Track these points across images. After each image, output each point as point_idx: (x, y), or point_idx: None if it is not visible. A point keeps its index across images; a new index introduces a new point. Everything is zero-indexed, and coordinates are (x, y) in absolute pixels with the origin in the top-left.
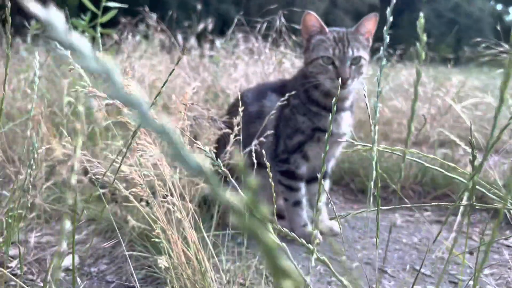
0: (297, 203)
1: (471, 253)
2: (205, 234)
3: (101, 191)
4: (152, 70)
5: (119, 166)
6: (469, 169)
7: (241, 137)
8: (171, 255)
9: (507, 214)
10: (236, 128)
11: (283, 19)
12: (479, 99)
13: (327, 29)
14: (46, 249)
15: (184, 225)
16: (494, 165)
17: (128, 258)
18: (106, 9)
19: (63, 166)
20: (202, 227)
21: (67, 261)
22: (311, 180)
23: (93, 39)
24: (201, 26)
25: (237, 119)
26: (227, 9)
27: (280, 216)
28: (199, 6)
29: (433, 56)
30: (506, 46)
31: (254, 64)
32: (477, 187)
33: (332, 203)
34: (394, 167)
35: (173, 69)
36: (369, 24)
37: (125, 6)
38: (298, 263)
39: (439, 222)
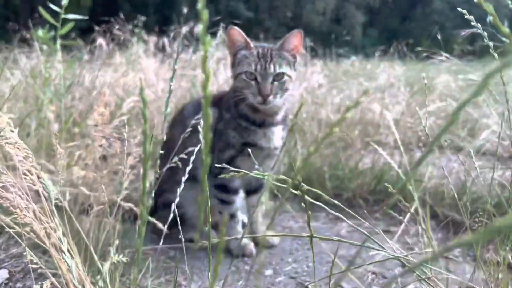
0: (232, 216)
1: (403, 266)
2: None
3: None
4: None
5: None
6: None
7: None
8: None
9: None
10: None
11: None
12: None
13: (252, 44)
14: None
15: None
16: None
17: None
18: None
19: None
20: None
21: None
22: (250, 192)
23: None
24: (185, 29)
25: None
26: (236, 6)
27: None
28: (210, 6)
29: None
30: None
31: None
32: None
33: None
34: (350, 173)
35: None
36: (295, 40)
37: (85, 17)
38: (228, 276)
39: (387, 231)
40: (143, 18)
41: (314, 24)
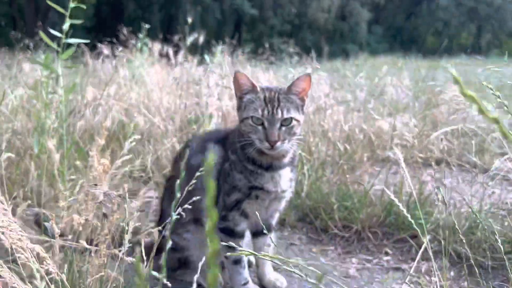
0: (237, 261)
1: None
2: None
3: None
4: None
5: None
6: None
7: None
8: None
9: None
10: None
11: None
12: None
13: (258, 88)
14: None
15: None
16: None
17: None
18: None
19: None
20: None
21: None
22: (256, 233)
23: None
24: (190, 39)
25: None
26: (241, 4)
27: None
28: (215, 4)
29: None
30: None
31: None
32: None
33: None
34: (359, 203)
35: None
36: (303, 83)
37: (87, 41)
38: None
39: (397, 269)
40: (147, 26)
41: (319, 21)
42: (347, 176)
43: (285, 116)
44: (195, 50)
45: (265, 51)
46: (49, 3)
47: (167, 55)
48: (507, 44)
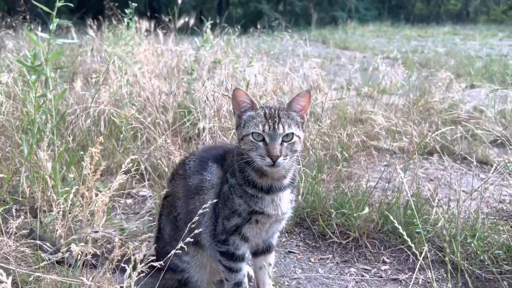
0: (238, 284)
1: None
2: None
3: None
4: None
5: None
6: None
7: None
8: None
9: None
10: None
11: None
12: None
13: (257, 105)
14: None
15: None
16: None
17: None
18: None
19: None
20: None
21: None
22: (256, 253)
23: None
24: (181, 22)
25: None
26: None
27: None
28: None
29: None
30: None
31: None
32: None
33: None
34: (356, 209)
35: None
36: (303, 101)
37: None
38: None
39: (395, 280)
40: (134, 4)
41: None
42: (343, 171)
43: (287, 131)
44: (186, 28)
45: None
46: None
47: (155, 33)
48: (494, 11)
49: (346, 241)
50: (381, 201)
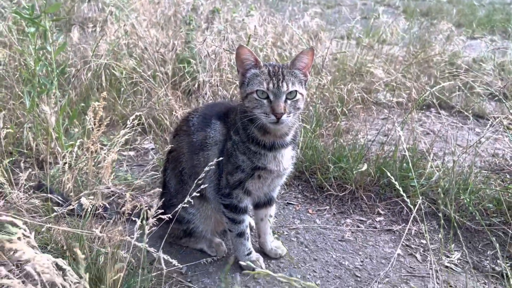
0: (241, 234)
1: (407, 282)
2: None
3: None
4: None
5: None
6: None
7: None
8: None
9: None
10: None
11: None
12: None
13: (261, 63)
14: None
15: None
16: None
17: None
18: None
19: None
20: None
21: None
22: (258, 205)
23: None
24: None
25: None
26: None
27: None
28: None
29: None
30: None
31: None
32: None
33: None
34: (354, 163)
35: None
36: (306, 58)
37: None
38: None
39: (389, 231)
40: None
41: None
42: (342, 125)
43: (290, 89)
44: None
45: None
46: None
47: None
48: None
49: (343, 193)
50: (378, 155)
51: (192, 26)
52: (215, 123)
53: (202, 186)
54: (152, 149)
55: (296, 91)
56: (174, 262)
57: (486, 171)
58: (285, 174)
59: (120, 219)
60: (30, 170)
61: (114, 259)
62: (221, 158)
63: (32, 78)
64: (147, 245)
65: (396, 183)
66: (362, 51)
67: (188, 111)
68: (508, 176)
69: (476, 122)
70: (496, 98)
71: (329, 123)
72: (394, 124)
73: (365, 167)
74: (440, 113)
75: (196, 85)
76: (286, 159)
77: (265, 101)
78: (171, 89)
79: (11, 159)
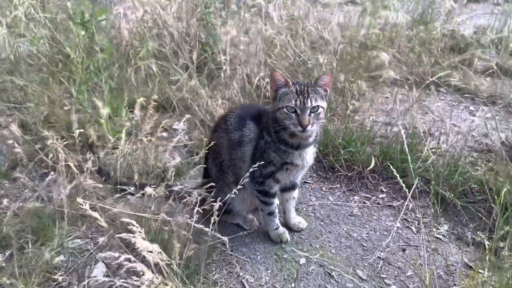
0: (271, 213)
1: (404, 250)
2: None
3: None
4: None
5: None
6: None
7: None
8: None
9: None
10: None
11: None
12: None
13: (290, 83)
14: None
15: None
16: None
17: None
18: None
19: None
20: None
21: None
22: (285, 190)
23: None
24: None
25: None
26: None
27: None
28: None
29: None
30: None
31: None
32: None
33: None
34: (361, 146)
35: None
36: (326, 78)
37: None
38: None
39: (390, 206)
40: None
41: None
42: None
43: (314, 104)
44: None
45: None
46: None
47: None
48: None
49: (351, 173)
50: (381, 142)
51: (211, 9)
52: (249, 123)
53: (242, 181)
54: (183, 130)
55: (318, 105)
56: (218, 235)
57: (476, 151)
58: (307, 167)
59: (184, 208)
60: (89, 155)
61: (177, 236)
62: (253, 152)
63: (78, 70)
64: (202, 226)
65: (394, 170)
66: (367, 19)
67: (225, 112)
68: (493, 157)
69: (471, 100)
70: (491, 72)
71: (338, 104)
72: (396, 101)
73: (372, 164)
74: (439, 90)
75: (218, 71)
76: (309, 156)
77: (293, 114)
78: (196, 73)
79: (65, 142)
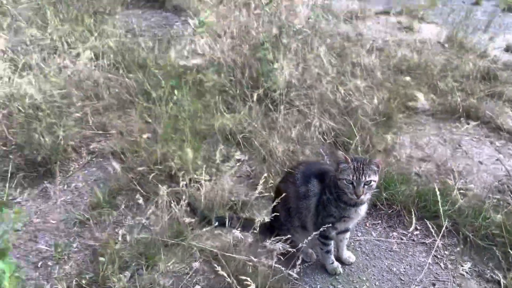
0: (328, 251)
1: (434, 284)
2: None
3: None
4: None
5: None
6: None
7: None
8: None
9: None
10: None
11: None
12: None
13: (349, 160)
14: None
15: None
16: None
17: None
18: None
19: None
20: None
21: None
22: (340, 233)
23: None
24: None
25: None
26: None
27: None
28: None
29: None
30: None
31: None
32: None
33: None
34: (401, 186)
35: None
36: (378, 160)
37: None
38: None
39: (423, 243)
40: None
41: None
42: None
43: (367, 179)
44: None
45: None
46: None
47: None
48: None
49: (391, 210)
50: (416, 180)
51: (266, 46)
52: (313, 180)
53: (313, 233)
54: (244, 160)
55: (371, 180)
56: (295, 275)
57: (499, 193)
58: (361, 218)
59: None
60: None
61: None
62: (317, 205)
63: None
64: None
65: (426, 218)
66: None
67: (291, 166)
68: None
69: (498, 135)
70: None
71: (378, 138)
72: (429, 135)
73: (413, 224)
74: (467, 122)
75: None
76: (363, 211)
77: (350, 185)
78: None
79: (153, 174)
